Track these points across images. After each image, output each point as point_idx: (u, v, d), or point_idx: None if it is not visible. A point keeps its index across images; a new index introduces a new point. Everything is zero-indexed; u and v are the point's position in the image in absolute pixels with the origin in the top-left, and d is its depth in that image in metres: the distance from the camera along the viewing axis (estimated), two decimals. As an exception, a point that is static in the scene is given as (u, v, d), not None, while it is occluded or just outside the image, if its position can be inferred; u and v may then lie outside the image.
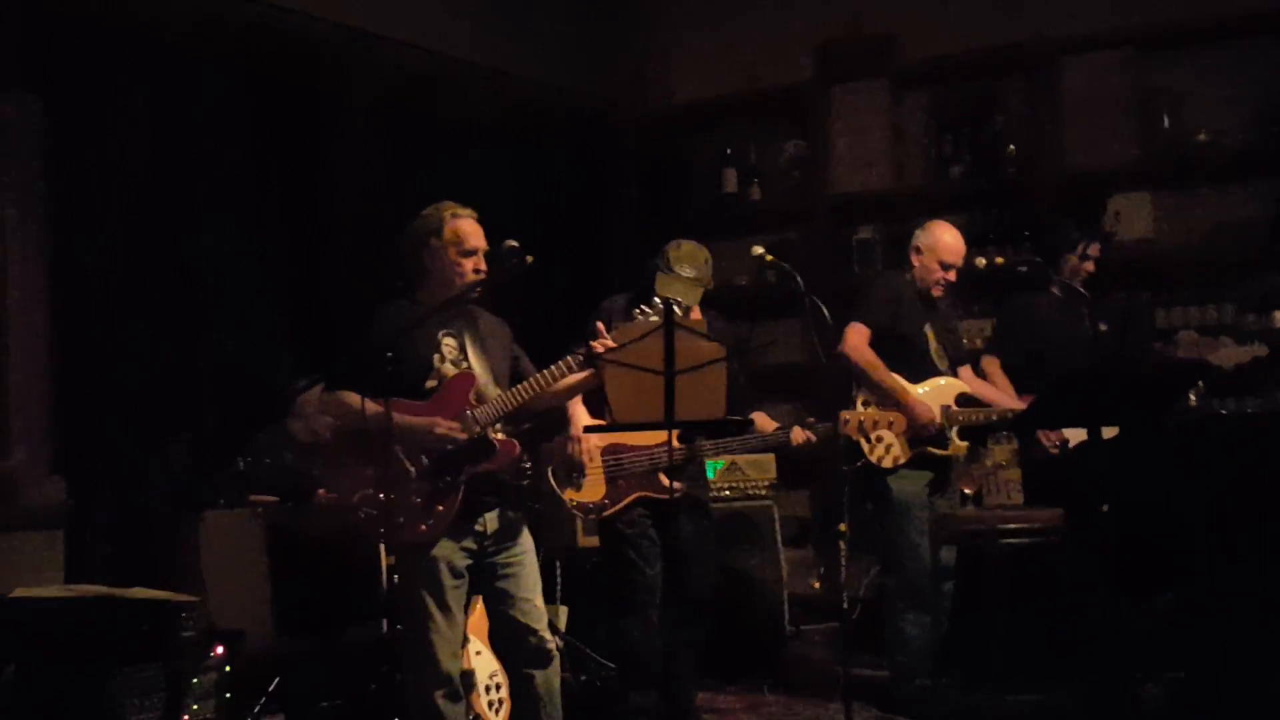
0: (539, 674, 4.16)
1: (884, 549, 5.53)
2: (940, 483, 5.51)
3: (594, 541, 5.35)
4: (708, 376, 4.11)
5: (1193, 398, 5.56)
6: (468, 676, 4.50)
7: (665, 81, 7.92)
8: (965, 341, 6.01)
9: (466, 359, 4.17)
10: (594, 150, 7.72)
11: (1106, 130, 6.70)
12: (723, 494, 6.22)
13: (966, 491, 5.92)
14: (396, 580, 4.10)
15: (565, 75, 7.42)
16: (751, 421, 5.19)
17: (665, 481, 4.94)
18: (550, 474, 4.97)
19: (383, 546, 4.57)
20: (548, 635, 4.18)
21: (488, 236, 4.20)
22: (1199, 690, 4.43)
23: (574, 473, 4.95)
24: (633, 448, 4.97)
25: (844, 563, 4.69)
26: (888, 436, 5.31)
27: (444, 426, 4.02)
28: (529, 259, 4.11)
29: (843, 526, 4.69)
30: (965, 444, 5.46)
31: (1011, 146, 7.01)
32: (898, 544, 5.40)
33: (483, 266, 4.16)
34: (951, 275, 5.52)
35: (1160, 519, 4.65)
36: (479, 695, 4.60)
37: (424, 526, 4.02)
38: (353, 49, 6.32)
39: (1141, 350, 6.19)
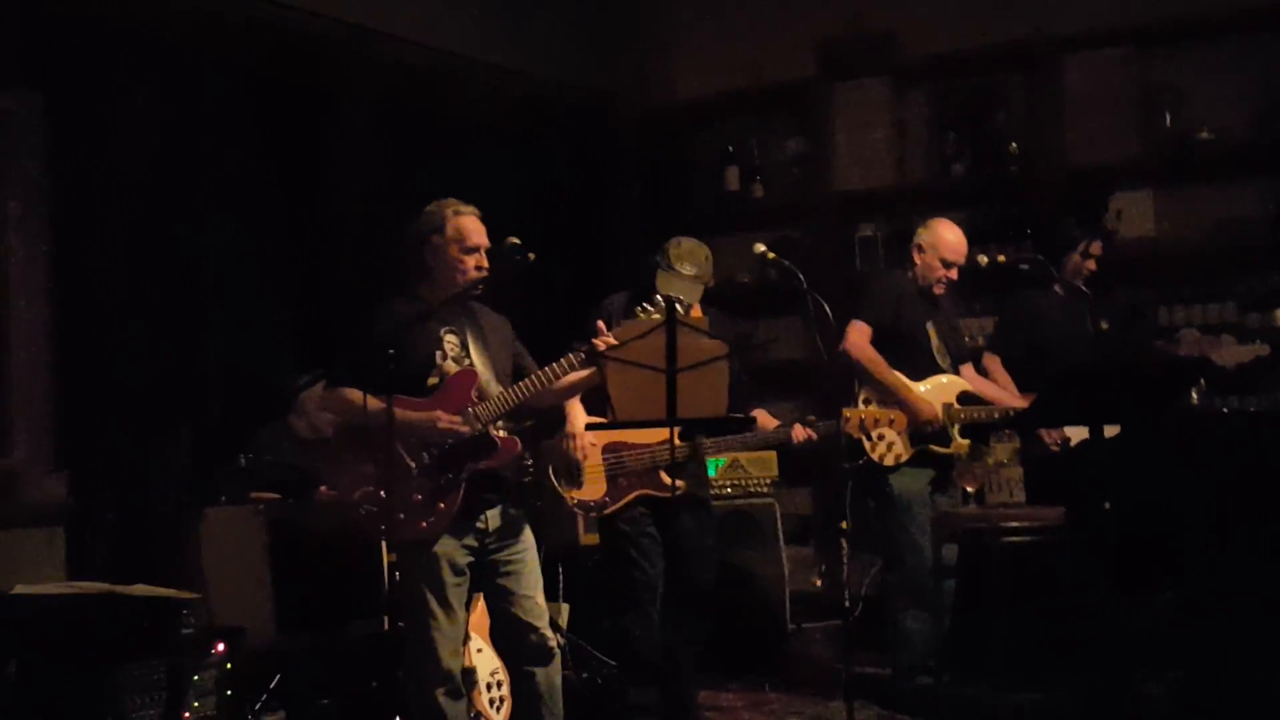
0: (540, 671, 4.17)
1: (886, 546, 5.53)
2: (942, 480, 5.52)
3: (595, 539, 5.35)
4: (710, 374, 4.11)
5: (1194, 396, 5.55)
6: (469, 674, 4.50)
7: (667, 78, 7.91)
8: (967, 339, 6.01)
9: (468, 356, 4.17)
10: (595, 147, 7.72)
11: (1108, 127, 6.70)
12: (724, 491, 6.22)
13: (968, 489, 5.93)
14: (398, 577, 4.10)
15: (567, 71, 7.41)
16: (753, 419, 5.19)
17: (666, 480, 4.94)
18: (551, 472, 4.97)
19: (384, 544, 4.57)
20: (549, 632, 4.19)
21: (489, 234, 4.20)
22: (1199, 689, 4.43)
23: (572, 469, 4.95)
24: (634, 445, 4.97)
25: (846, 560, 4.68)
26: (889, 434, 5.31)
27: (446, 420, 4.02)
28: (531, 256, 4.11)
29: (844, 524, 4.68)
30: (967, 442, 5.46)
31: (1013, 144, 7.01)
32: (899, 541, 5.40)
33: (485, 264, 4.16)
34: (953, 273, 5.52)
35: (1161, 517, 4.64)
36: (480, 692, 4.60)
37: (425, 523, 4.02)
38: (354, 45, 6.31)
39: (1143, 348, 6.18)
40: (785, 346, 7.17)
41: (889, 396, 5.33)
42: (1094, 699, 4.59)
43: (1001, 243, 6.90)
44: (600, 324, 4.19)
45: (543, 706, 4.18)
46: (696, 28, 7.86)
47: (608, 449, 4.99)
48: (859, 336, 5.37)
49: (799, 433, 5.19)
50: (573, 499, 4.96)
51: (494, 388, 4.16)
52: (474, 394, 4.11)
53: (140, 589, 4.39)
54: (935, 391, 5.39)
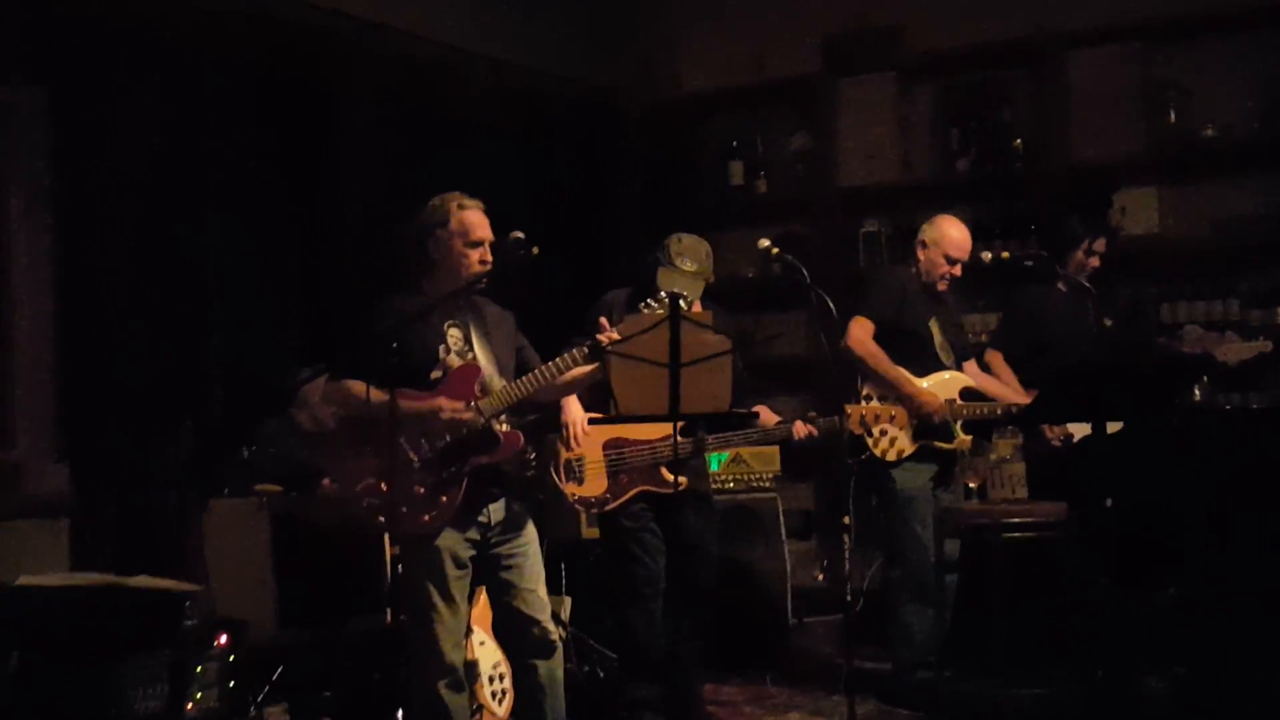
0: (542, 664, 4.17)
1: (888, 542, 5.54)
2: (944, 476, 5.52)
3: (598, 533, 5.36)
4: (713, 369, 4.11)
5: (1197, 392, 5.55)
6: (471, 667, 4.51)
7: (671, 73, 7.91)
8: (970, 335, 6.01)
9: (472, 350, 4.18)
10: (600, 141, 7.71)
11: (1113, 123, 6.69)
12: (727, 486, 6.23)
13: (970, 485, 5.93)
14: (400, 571, 4.11)
15: (571, 66, 7.41)
16: (756, 414, 5.20)
17: (668, 476, 4.95)
18: (552, 468, 4.97)
19: (387, 537, 4.57)
20: (551, 626, 4.19)
21: (493, 228, 4.19)
22: (1201, 685, 4.43)
23: (571, 465, 4.95)
24: (635, 442, 4.97)
25: (847, 555, 4.68)
26: (892, 430, 5.32)
27: (449, 410, 4.02)
28: (535, 250, 4.11)
29: (847, 519, 4.69)
30: (969, 437, 5.46)
31: (1018, 140, 7.00)
32: (902, 537, 5.41)
33: (489, 258, 4.16)
34: (957, 270, 5.52)
35: (1163, 514, 4.65)
36: (482, 685, 4.61)
37: (427, 517, 4.02)
38: (357, 39, 6.31)
39: (1146, 345, 6.18)
40: (789, 342, 7.17)
41: (892, 392, 5.34)
42: (1096, 695, 4.59)
43: (1005, 239, 6.88)
44: (603, 320, 4.19)
45: (544, 699, 4.18)
46: (701, 22, 7.85)
47: (609, 445, 4.99)
48: (861, 332, 5.37)
49: (800, 429, 5.19)
50: (573, 496, 4.97)
51: (497, 382, 4.16)
52: (477, 388, 4.11)
53: (143, 581, 4.40)
54: (938, 387, 5.39)
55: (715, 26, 7.80)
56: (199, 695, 4.38)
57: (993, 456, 6.44)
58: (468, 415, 4.04)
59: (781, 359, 7.20)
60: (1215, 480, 4.54)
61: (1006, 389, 5.58)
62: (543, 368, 4.16)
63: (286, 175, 6.03)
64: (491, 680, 4.65)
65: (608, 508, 4.98)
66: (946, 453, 5.44)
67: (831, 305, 4.60)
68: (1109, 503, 4.45)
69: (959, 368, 5.54)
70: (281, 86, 6.02)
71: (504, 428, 4.15)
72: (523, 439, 4.20)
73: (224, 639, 4.52)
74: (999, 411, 5.39)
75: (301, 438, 5.42)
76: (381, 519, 4.07)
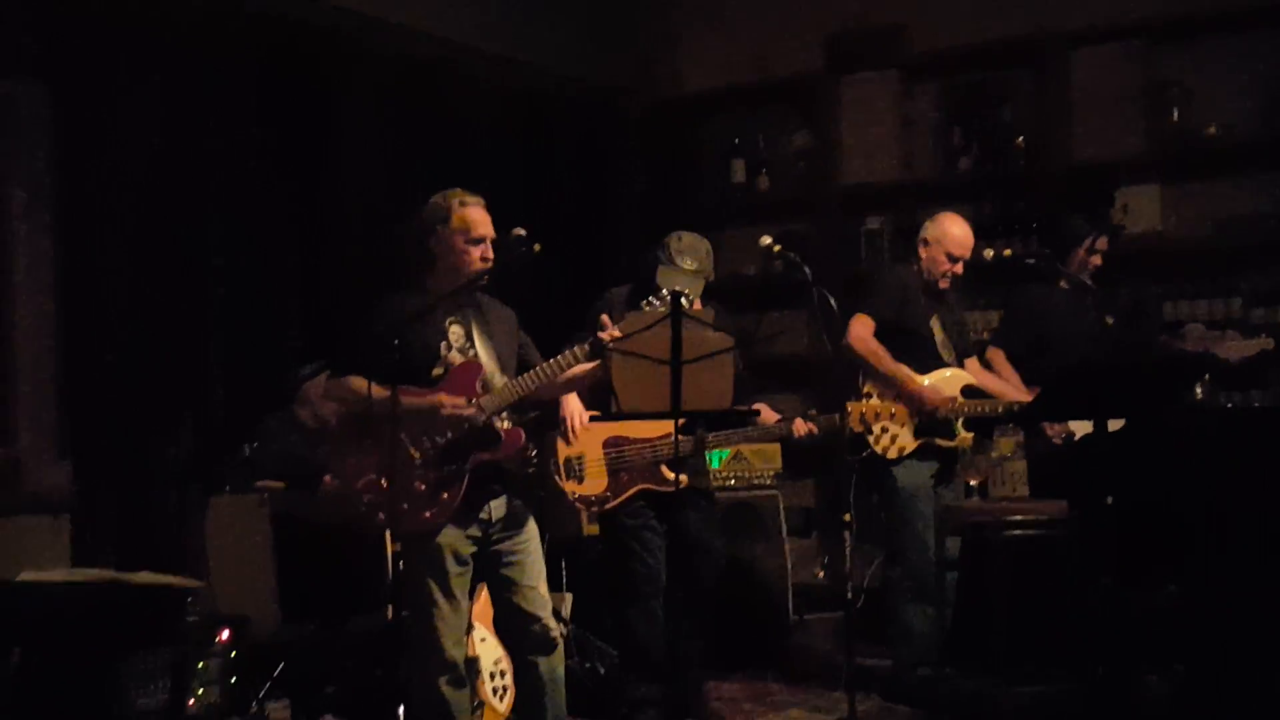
0: (543, 661, 4.18)
1: (889, 539, 5.54)
2: (946, 474, 5.52)
3: (598, 530, 5.36)
4: (715, 367, 4.12)
5: (1199, 391, 5.55)
6: (472, 663, 4.51)
7: (673, 71, 7.91)
8: (971, 333, 6.01)
9: (473, 347, 4.18)
10: (601, 139, 7.72)
11: (1115, 122, 6.69)
12: (728, 483, 6.23)
13: (971, 483, 5.93)
14: (401, 567, 4.11)
15: (573, 64, 7.41)
16: (757, 412, 5.20)
17: (668, 475, 4.95)
18: (552, 466, 4.97)
19: (388, 534, 4.58)
20: (552, 623, 4.20)
21: (495, 224, 4.19)
22: (1201, 683, 4.43)
23: (567, 453, 4.95)
24: (635, 440, 4.97)
25: (848, 553, 4.69)
26: (893, 427, 5.32)
27: (449, 406, 4.02)
28: (536, 247, 4.11)
29: (847, 517, 4.69)
30: (971, 435, 5.46)
31: (1020, 138, 7.00)
32: (902, 534, 5.41)
33: (490, 255, 4.16)
34: (959, 267, 5.52)
35: (1164, 512, 4.64)
36: (483, 682, 4.61)
37: (429, 514, 4.03)
38: (358, 36, 6.31)
39: (1148, 343, 6.18)
40: (790, 340, 7.17)
41: (893, 389, 5.34)
42: (1096, 693, 4.59)
43: (1007, 237, 6.88)
44: (605, 318, 4.20)
45: (545, 696, 4.19)
46: (703, 20, 7.86)
47: (609, 443, 4.99)
48: (862, 329, 5.37)
49: (800, 427, 5.19)
50: (573, 494, 4.97)
51: (498, 379, 4.16)
52: (478, 385, 4.11)
53: (145, 577, 4.39)
54: (939, 385, 5.40)
55: (717, 25, 7.81)
56: (201, 691, 4.38)
57: (994, 454, 6.44)
58: (469, 412, 4.04)
59: (783, 357, 7.21)
60: (1216, 479, 4.53)
61: (1008, 386, 5.57)
62: (544, 365, 4.16)
63: (287, 172, 6.04)
64: (493, 677, 4.66)
65: (608, 506, 4.98)
66: (948, 450, 5.45)
67: (833, 303, 4.60)
68: (1110, 501, 4.44)
69: (960, 365, 5.54)
70: (282, 83, 6.02)
71: (505, 425, 4.15)
72: (524, 436, 4.20)
73: (226, 635, 4.53)
74: (1000, 409, 5.39)
75: (303, 434, 5.42)
76: (382, 516, 4.07)
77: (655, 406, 4.03)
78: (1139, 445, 4.76)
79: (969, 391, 5.43)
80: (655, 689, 5.08)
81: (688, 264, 4.91)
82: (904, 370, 5.35)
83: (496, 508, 4.14)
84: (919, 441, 5.38)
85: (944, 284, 5.53)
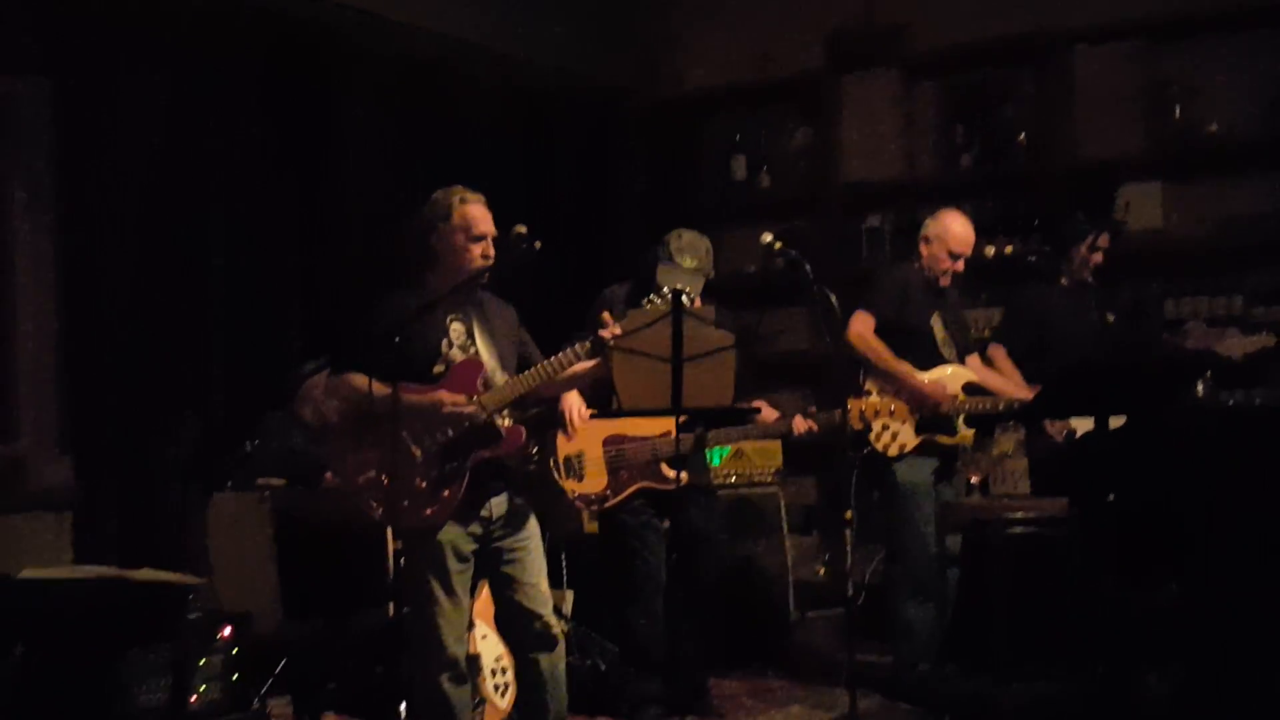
0: (544, 658, 4.18)
1: (889, 536, 5.54)
2: (946, 471, 5.52)
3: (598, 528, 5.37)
4: (716, 364, 4.12)
5: (1200, 389, 5.55)
6: (473, 660, 4.52)
7: (675, 68, 7.91)
8: (973, 331, 6.01)
9: (474, 344, 4.18)
10: (603, 136, 7.72)
11: (1117, 120, 6.68)
12: (729, 481, 6.24)
13: (972, 480, 5.93)
14: (403, 564, 4.12)
15: (574, 61, 7.41)
16: (757, 410, 5.20)
17: (668, 473, 4.95)
18: (552, 464, 4.98)
19: (389, 531, 4.59)
20: (553, 620, 4.20)
21: (496, 222, 4.20)
22: (1201, 681, 4.43)
23: (566, 451, 4.96)
24: (634, 438, 4.98)
25: (849, 550, 4.69)
26: (894, 424, 5.32)
27: (450, 404, 4.03)
28: (537, 245, 4.11)
29: (848, 514, 4.69)
30: (972, 432, 5.47)
31: (1022, 136, 7.00)
32: (903, 532, 5.41)
33: (491, 252, 4.16)
34: (960, 265, 5.52)
35: (1165, 510, 4.65)
36: (485, 679, 4.62)
37: (430, 511, 4.03)
38: (360, 32, 6.31)
39: (1149, 341, 6.18)
40: (792, 337, 7.17)
41: (895, 385, 5.34)
42: (1097, 691, 4.59)
43: (1009, 235, 6.90)
44: (606, 315, 4.20)
45: (546, 693, 4.19)
46: (705, 18, 7.85)
47: (608, 441, 5.00)
48: (862, 327, 5.37)
49: (799, 424, 5.20)
50: (573, 492, 4.98)
51: (499, 377, 4.16)
52: (480, 383, 4.11)
53: (147, 574, 4.41)
54: (941, 382, 5.40)
55: (719, 22, 7.80)
56: (202, 688, 4.38)
57: (995, 452, 6.44)
58: (469, 410, 4.04)
59: (784, 355, 7.21)
60: (1217, 478, 4.53)
61: (1009, 384, 5.57)
62: (545, 363, 4.16)
63: (288, 169, 6.05)
64: (494, 674, 4.66)
65: (608, 504, 4.99)
66: (948, 447, 5.45)
67: (834, 301, 4.60)
68: (1111, 499, 4.45)
69: (961, 363, 5.54)
70: (283, 81, 6.04)
71: (506, 422, 4.16)
72: (525, 434, 4.20)
73: (227, 632, 4.53)
74: (1001, 406, 5.39)
75: (305, 432, 5.43)
76: (383, 513, 4.08)
77: (656, 403, 4.04)
78: (1140, 443, 4.76)
79: (970, 389, 5.43)
80: (656, 685, 5.08)
81: (688, 262, 4.91)
82: (905, 367, 5.36)
83: (497, 505, 4.15)
84: (920, 439, 5.38)
85: (945, 281, 5.53)
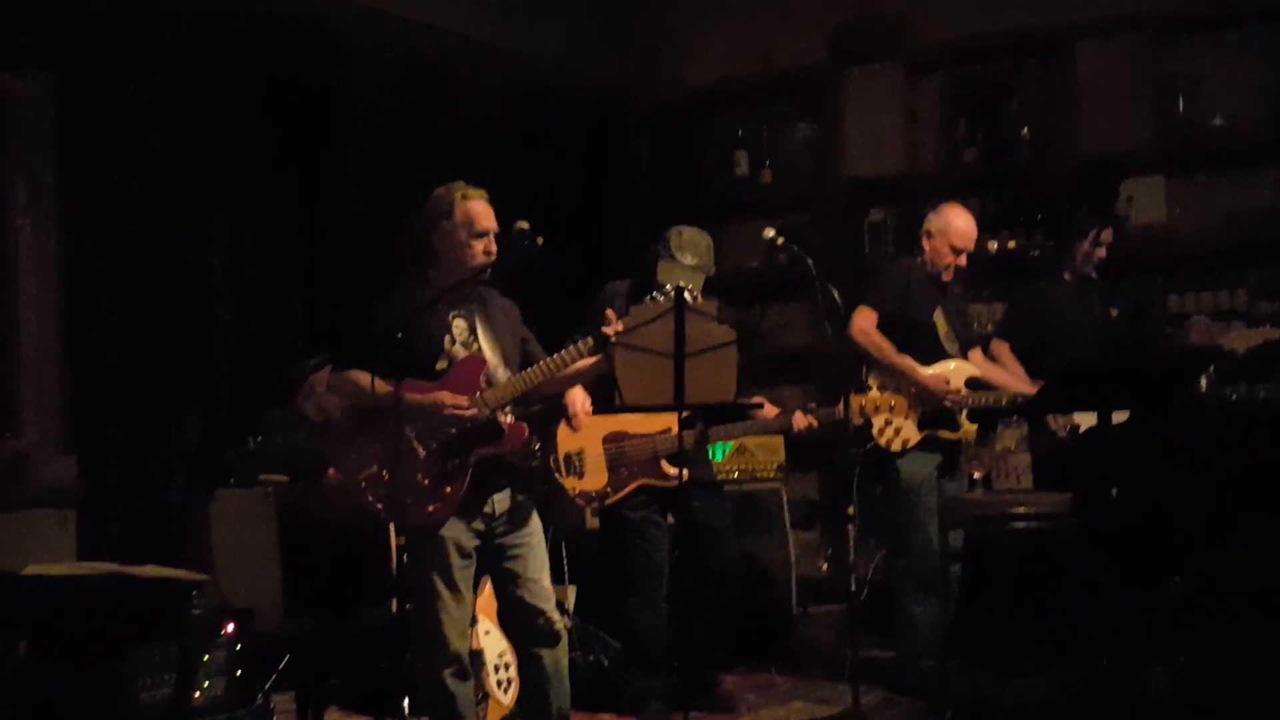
0: (547, 653, 4.18)
1: (892, 532, 5.54)
2: (949, 466, 5.52)
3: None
4: (718, 359, 4.12)
5: (1203, 383, 5.55)
6: (476, 656, 4.53)
7: (677, 64, 7.91)
8: (976, 326, 6.01)
9: (477, 341, 4.18)
10: (605, 132, 7.71)
11: (1121, 115, 6.68)
12: (731, 476, 6.24)
13: (975, 475, 5.92)
14: (406, 560, 4.12)
15: (577, 57, 7.40)
16: (760, 404, 5.20)
17: (668, 470, 4.95)
18: (552, 462, 4.98)
19: (392, 527, 4.59)
20: (556, 615, 4.20)
21: (499, 218, 4.19)
22: (1204, 676, 4.43)
23: (566, 449, 4.95)
24: (634, 435, 4.97)
25: (852, 545, 4.69)
26: (896, 419, 5.32)
27: (450, 407, 4.03)
28: (539, 240, 4.11)
29: (851, 509, 4.69)
30: (974, 427, 5.46)
31: (1025, 131, 7.00)
32: (906, 527, 5.41)
33: (493, 248, 4.15)
34: (962, 259, 5.51)
35: (1168, 505, 4.65)
36: (488, 674, 4.63)
37: (432, 508, 4.03)
38: (363, 28, 6.31)
39: (1153, 336, 6.17)
40: (794, 333, 7.17)
41: (898, 380, 5.34)
42: (1099, 686, 4.59)
43: (1012, 230, 6.90)
44: (611, 312, 4.20)
45: (550, 688, 4.19)
46: (708, 12, 7.85)
47: (608, 438, 5.00)
48: (865, 322, 5.37)
49: (799, 420, 5.19)
50: (573, 490, 4.98)
51: (502, 373, 4.16)
52: (482, 379, 4.11)
53: (150, 570, 4.41)
54: (943, 377, 5.39)
55: (721, 18, 7.80)
56: (206, 684, 4.38)
57: (998, 447, 6.43)
58: (469, 413, 4.04)
59: (786, 350, 7.20)
60: (1220, 472, 4.53)
61: (1012, 378, 5.57)
62: (547, 360, 4.15)
63: (291, 165, 6.05)
64: (497, 669, 4.67)
65: (608, 501, 4.99)
66: (951, 442, 5.45)
67: (837, 296, 4.60)
68: (1114, 494, 4.44)
69: (964, 358, 5.53)
70: (285, 77, 6.03)
71: (509, 419, 4.16)
72: (528, 430, 4.20)
73: (231, 628, 4.52)
74: (1004, 401, 5.38)
75: (307, 428, 5.43)
76: (385, 509, 4.08)
77: (658, 399, 4.04)
78: (1143, 439, 4.76)
79: (973, 383, 5.43)
80: (659, 681, 5.08)
81: (688, 259, 4.91)
82: (907, 362, 5.35)
83: (500, 501, 4.15)
84: (923, 434, 5.38)
85: (947, 276, 5.53)
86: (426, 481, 4.03)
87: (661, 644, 5.05)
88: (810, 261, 4.64)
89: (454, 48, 6.75)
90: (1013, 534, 4.99)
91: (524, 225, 4.11)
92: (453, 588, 4.06)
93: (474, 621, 4.45)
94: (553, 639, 4.19)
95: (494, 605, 4.48)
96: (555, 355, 4.15)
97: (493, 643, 4.66)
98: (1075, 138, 6.81)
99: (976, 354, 5.64)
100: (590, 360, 4.19)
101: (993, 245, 6.77)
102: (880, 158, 7.30)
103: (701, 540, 5.02)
